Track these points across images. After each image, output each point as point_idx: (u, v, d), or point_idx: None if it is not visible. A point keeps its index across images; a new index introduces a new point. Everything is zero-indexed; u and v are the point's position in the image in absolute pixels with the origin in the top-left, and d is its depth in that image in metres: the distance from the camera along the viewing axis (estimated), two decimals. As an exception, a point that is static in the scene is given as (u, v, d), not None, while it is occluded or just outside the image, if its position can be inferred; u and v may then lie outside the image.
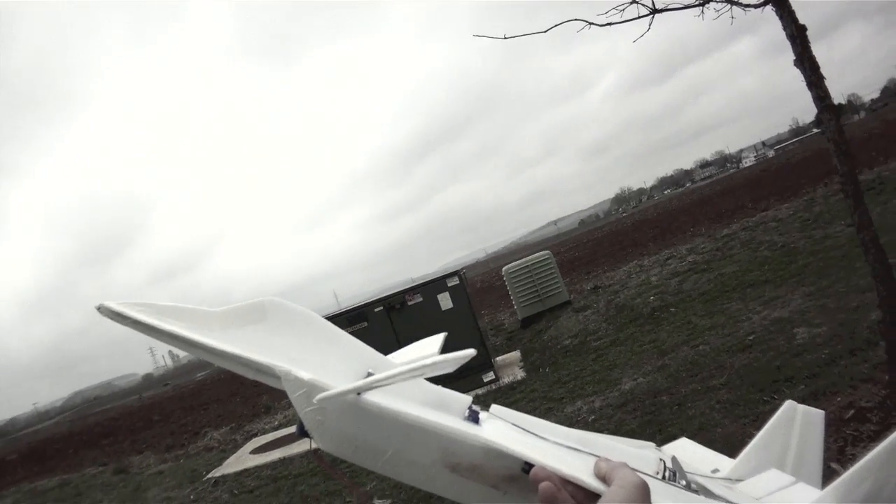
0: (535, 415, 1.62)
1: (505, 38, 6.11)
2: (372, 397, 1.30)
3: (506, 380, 13.05)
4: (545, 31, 6.17)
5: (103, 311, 1.27)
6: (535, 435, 1.45)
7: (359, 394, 1.30)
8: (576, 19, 6.09)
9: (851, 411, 5.98)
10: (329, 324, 1.57)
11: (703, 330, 10.92)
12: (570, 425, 2.26)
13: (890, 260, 5.64)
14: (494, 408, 1.56)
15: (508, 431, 1.40)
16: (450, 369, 1.25)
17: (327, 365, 1.45)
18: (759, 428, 6.54)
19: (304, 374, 1.30)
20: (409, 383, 1.46)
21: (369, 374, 1.49)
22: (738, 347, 9.20)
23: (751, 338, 9.42)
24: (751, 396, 7.31)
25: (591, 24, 6.08)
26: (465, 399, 1.51)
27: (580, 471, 1.15)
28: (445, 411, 1.40)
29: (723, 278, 14.52)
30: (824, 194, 20.62)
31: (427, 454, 1.32)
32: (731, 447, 2.66)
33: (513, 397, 11.34)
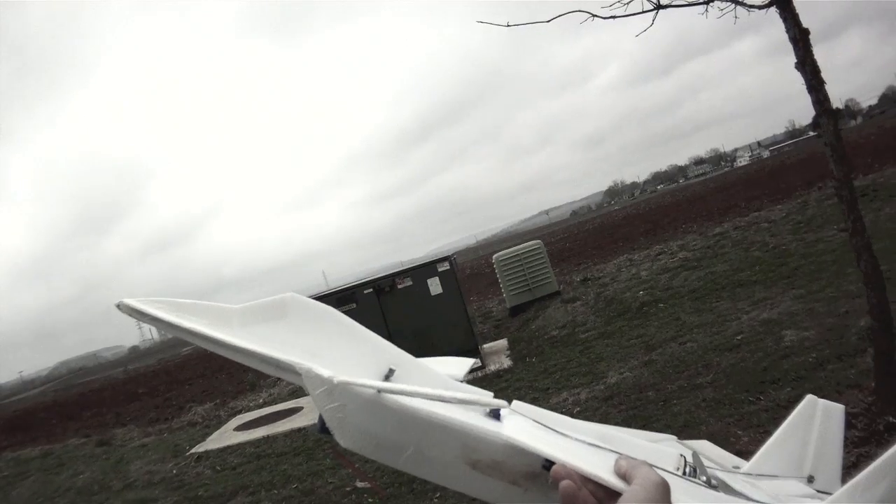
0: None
1: (508, 25, 6.09)
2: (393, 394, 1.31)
3: (492, 367, 13.07)
4: (548, 21, 6.15)
5: (123, 308, 1.31)
6: (556, 431, 1.46)
7: (379, 391, 1.30)
8: (580, 10, 6.07)
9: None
10: (350, 320, 1.58)
11: (692, 327, 10.96)
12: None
13: (882, 267, 5.65)
14: (516, 404, 1.56)
15: (529, 428, 1.40)
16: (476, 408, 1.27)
17: (348, 362, 1.45)
18: (743, 427, 6.56)
19: (325, 372, 1.31)
20: (431, 380, 1.49)
21: (391, 371, 1.51)
22: (726, 346, 9.24)
23: (739, 337, 9.45)
24: (736, 396, 7.35)
25: (594, 16, 6.06)
26: (487, 395, 1.50)
27: (601, 468, 1.15)
28: (466, 408, 1.40)
29: (713, 276, 14.57)
30: (818, 198, 20.64)
31: (448, 451, 1.32)
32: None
33: (498, 385, 11.34)
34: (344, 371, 1.34)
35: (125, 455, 13.93)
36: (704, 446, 2.63)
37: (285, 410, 14.20)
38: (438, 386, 1.47)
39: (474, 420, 1.32)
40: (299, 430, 11.93)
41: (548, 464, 1.22)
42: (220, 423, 15.71)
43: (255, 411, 15.74)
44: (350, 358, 1.48)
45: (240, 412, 16.53)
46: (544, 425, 1.48)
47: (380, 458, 1.38)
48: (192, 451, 12.75)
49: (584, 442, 1.42)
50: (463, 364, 2.06)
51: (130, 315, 1.32)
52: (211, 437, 13.72)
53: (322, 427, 1.38)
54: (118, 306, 1.30)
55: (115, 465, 13.17)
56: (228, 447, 12.30)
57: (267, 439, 12.04)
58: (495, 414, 1.41)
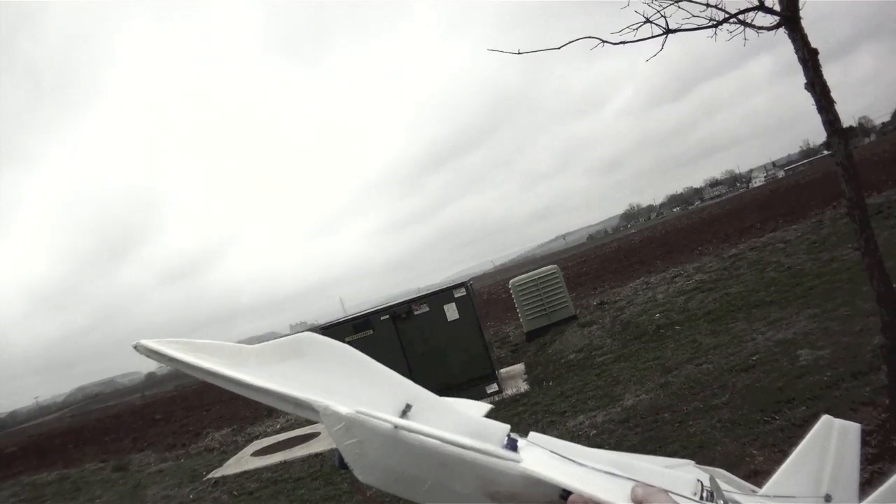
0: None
1: (519, 53, 6.15)
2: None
3: (509, 392, 13.06)
4: (559, 48, 6.20)
5: (140, 349, 1.33)
6: (573, 461, 1.47)
7: (396, 427, 1.33)
8: (589, 37, 6.11)
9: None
10: (366, 357, 1.59)
11: (708, 349, 10.92)
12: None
13: (895, 285, 5.66)
14: (532, 435, 1.57)
15: (546, 459, 1.42)
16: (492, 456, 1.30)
17: (365, 398, 1.46)
18: (759, 447, 6.54)
19: (342, 409, 1.33)
20: (448, 416, 1.50)
21: (407, 406, 1.52)
22: (742, 367, 9.21)
23: (754, 358, 9.42)
24: (752, 416, 7.33)
25: (604, 41, 6.10)
26: (504, 427, 1.51)
27: (618, 496, 1.19)
28: (484, 440, 1.42)
29: (729, 298, 14.52)
30: (832, 217, 20.60)
31: (466, 484, 1.34)
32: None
33: (515, 409, 11.32)
34: (361, 408, 1.35)
35: (142, 480, 13.97)
36: (719, 475, 2.65)
37: (302, 436, 14.21)
38: (455, 422, 1.48)
39: (492, 452, 1.33)
40: (316, 455, 11.94)
41: (565, 493, 1.25)
42: (237, 448, 15.73)
43: (273, 437, 15.75)
44: (367, 394, 1.49)
45: (257, 437, 16.55)
46: (560, 455, 1.49)
47: (398, 492, 1.40)
48: (210, 476, 12.77)
49: (600, 470, 1.43)
50: (480, 408, 2.07)
51: (148, 356, 1.33)
52: (228, 463, 13.74)
53: (341, 462, 1.40)
54: (136, 348, 1.32)
55: (132, 490, 13.21)
56: (246, 472, 12.31)
57: (284, 464, 12.06)
58: (512, 445, 1.43)
